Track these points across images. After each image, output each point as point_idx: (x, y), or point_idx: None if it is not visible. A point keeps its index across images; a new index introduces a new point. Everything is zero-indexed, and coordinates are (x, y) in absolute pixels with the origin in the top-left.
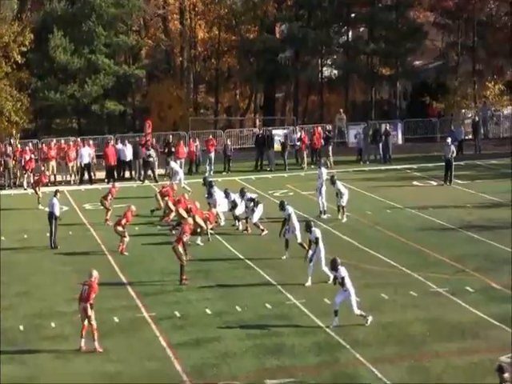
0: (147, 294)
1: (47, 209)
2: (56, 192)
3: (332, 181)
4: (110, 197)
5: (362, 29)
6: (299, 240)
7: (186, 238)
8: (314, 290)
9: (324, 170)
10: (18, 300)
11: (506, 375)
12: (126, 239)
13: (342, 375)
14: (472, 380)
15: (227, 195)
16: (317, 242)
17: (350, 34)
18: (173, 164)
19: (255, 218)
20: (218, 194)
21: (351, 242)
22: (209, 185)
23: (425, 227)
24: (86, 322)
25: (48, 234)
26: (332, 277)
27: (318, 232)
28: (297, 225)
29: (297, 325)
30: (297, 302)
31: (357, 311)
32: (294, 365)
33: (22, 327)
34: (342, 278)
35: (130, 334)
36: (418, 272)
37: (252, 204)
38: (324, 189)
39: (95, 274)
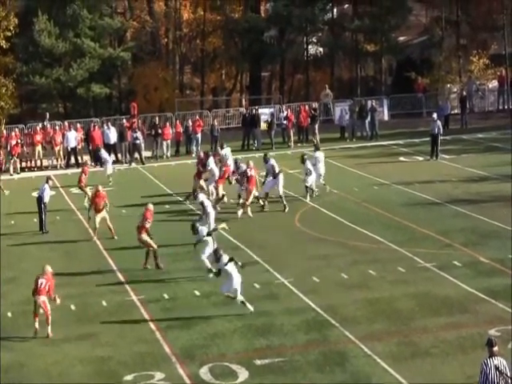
0: (136, 277)
1: (36, 194)
2: (47, 179)
3: (302, 159)
4: (83, 176)
5: (346, 5)
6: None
7: (148, 225)
8: (303, 268)
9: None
10: (6, 287)
11: (496, 349)
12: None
13: (331, 353)
14: (461, 354)
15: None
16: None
17: (335, 10)
18: (103, 153)
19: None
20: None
21: (338, 219)
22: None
23: (412, 203)
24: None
25: (35, 220)
26: (215, 270)
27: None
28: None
29: (285, 304)
30: (285, 280)
31: (240, 297)
32: (283, 344)
33: (10, 314)
34: (226, 264)
35: (119, 318)
36: (406, 247)
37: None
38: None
39: (49, 268)
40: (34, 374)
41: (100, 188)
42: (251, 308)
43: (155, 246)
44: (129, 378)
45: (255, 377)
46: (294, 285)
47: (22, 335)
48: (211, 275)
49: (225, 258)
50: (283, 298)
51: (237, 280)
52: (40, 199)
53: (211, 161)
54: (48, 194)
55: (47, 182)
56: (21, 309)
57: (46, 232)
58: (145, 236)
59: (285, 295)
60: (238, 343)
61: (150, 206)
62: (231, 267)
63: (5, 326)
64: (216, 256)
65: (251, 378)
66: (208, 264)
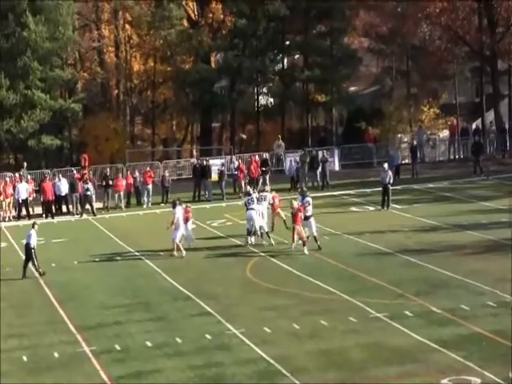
0: (87, 328)
1: (24, 241)
2: (34, 224)
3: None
4: None
5: (297, 56)
6: None
7: None
8: (254, 319)
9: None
10: None
11: None
12: None
13: None
14: None
15: None
16: None
17: (286, 61)
18: None
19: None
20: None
21: (289, 270)
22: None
23: (363, 253)
24: None
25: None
26: None
27: None
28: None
29: (237, 354)
30: (236, 331)
31: None
32: None
33: None
34: None
35: (71, 369)
36: (357, 298)
37: None
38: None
39: None
40: None
41: None
42: None
43: None
44: None
45: None
46: (246, 335)
47: None
48: None
49: None
50: (235, 349)
51: None
52: (28, 246)
53: (178, 210)
54: (35, 239)
55: (33, 227)
56: None
57: (42, 274)
58: None
59: (236, 346)
60: None
61: None
62: None
63: None
64: None
65: None
66: None
